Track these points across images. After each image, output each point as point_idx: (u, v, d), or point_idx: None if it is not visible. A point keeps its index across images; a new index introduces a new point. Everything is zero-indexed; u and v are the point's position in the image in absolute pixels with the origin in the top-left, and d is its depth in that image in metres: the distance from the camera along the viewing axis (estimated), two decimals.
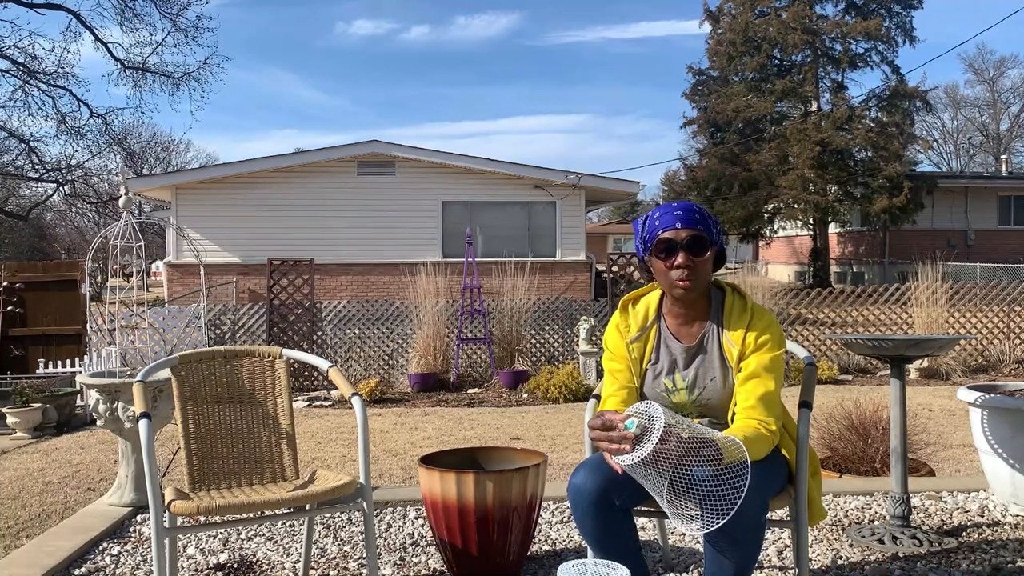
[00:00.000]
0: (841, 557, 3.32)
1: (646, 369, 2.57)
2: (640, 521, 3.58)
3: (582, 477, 2.37)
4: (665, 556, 3.29)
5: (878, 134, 25.23)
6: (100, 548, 3.59)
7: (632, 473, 2.08)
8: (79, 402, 8.05)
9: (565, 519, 3.87)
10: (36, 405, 7.46)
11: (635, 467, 2.05)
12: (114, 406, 4.13)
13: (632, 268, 11.19)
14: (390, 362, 10.41)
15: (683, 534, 3.61)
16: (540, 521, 3.81)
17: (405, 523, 3.89)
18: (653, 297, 2.62)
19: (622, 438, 2.07)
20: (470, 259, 10.30)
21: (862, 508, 3.98)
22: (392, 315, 10.55)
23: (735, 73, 27.54)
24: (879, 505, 4.01)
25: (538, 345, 10.74)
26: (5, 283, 9.75)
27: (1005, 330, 10.87)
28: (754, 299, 2.60)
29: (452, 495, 3.07)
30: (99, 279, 25.72)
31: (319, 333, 10.37)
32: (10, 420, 7.33)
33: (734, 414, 2.43)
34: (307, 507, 2.98)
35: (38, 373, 8.57)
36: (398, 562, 3.38)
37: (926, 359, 9.83)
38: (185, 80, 27.10)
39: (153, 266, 33.30)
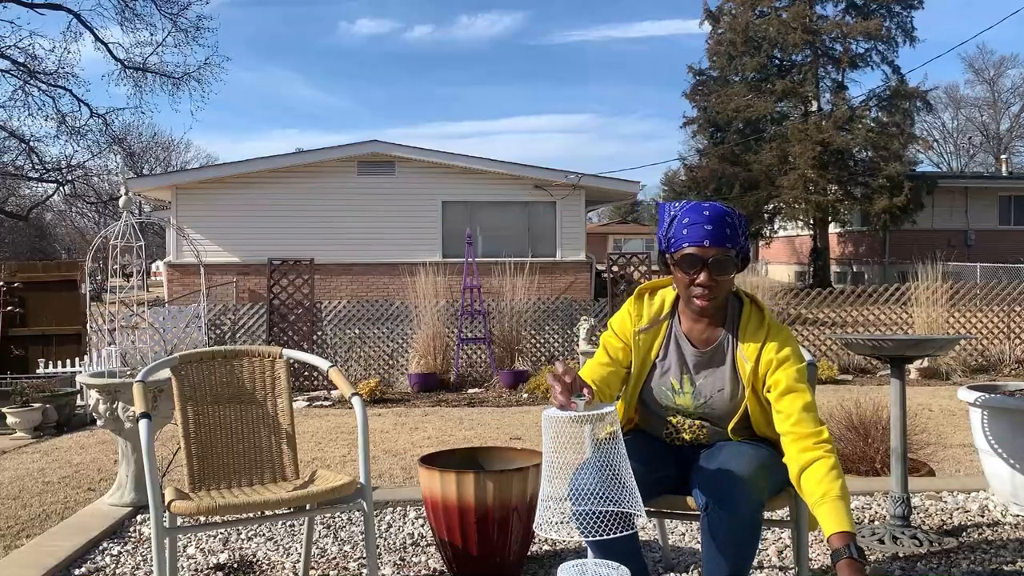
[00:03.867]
0: None
1: (654, 364, 2.52)
2: (640, 521, 3.57)
3: (581, 476, 2.36)
4: (665, 556, 3.29)
5: (878, 134, 25.24)
6: (100, 548, 3.59)
7: (544, 428, 2.06)
8: (79, 402, 8.05)
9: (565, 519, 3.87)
10: (36, 405, 7.45)
11: (549, 424, 2.04)
12: (114, 406, 4.13)
13: (632, 268, 11.18)
14: (390, 362, 10.40)
15: (683, 534, 3.61)
16: None
17: (405, 523, 3.89)
18: (671, 293, 2.56)
19: (567, 404, 2.03)
20: (470, 259, 10.30)
21: (862, 508, 3.98)
22: (392, 315, 10.54)
23: (735, 73, 27.54)
24: (879, 505, 4.01)
25: (538, 345, 10.73)
26: (5, 283, 9.75)
27: (1005, 330, 10.86)
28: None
29: (452, 495, 3.07)
30: (99, 279, 25.75)
31: (319, 333, 10.36)
32: (10, 420, 7.32)
33: (779, 435, 2.31)
34: (307, 507, 2.97)
35: (38, 373, 8.56)
36: (398, 562, 3.38)
37: (926, 359, 9.83)
38: (185, 80, 27.16)
39: (153, 266, 33.29)
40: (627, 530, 2.03)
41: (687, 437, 2.54)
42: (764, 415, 2.45)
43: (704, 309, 2.41)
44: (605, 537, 2.06)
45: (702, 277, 2.34)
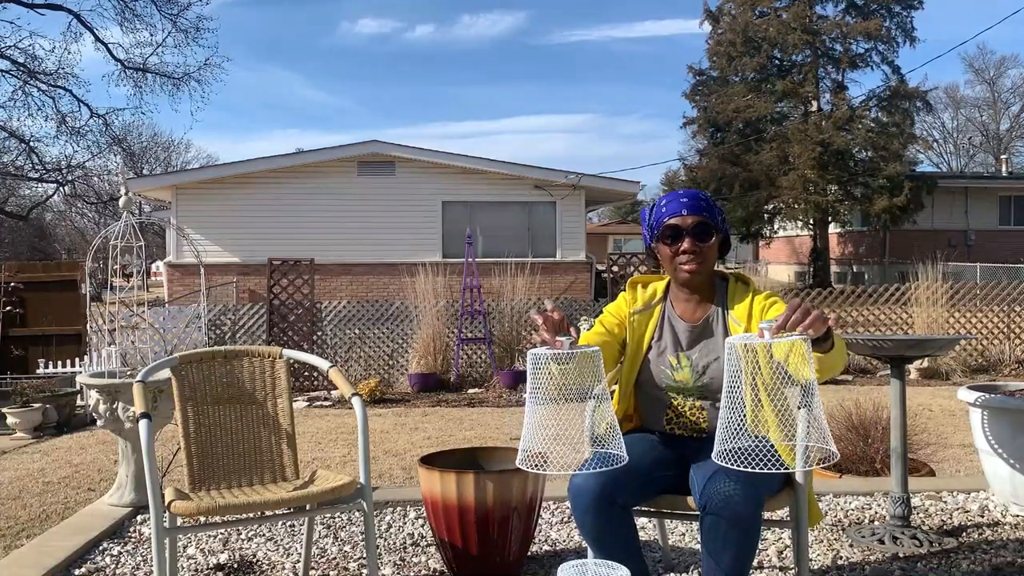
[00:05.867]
0: (841, 557, 3.32)
1: (650, 346, 2.60)
2: (640, 521, 3.57)
3: (583, 476, 2.37)
4: (665, 556, 3.29)
5: (878, 134, 25.25)
6: (100, 548, 3.59)
7: (529, 367, 2.06)
8: (79, 402, 8.05)
9: (565, 519, 3.87)
10: (36, 405, 7.45)
11: (537, 361, 2.04)
12: (114, 406, 4.13)
13: (632, 268, 11.19)
14: (390, 362, 10.40)
15: (683, 534, 3.61)
16: (540, 521, 3.81)
17: (405, 523, 3.89)
18: (661, 284, 2.70)
19: (551, 340, 2.11)
20: (470, 259, 10.30)
21: (862, 508, 3.98)
22: (392, 315, 10.54)
23: (735, 73, 27.54)
24: (879, 505, 4.01)
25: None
26: (5, 283, 9.75)
27: (1005, 330, 10.86)
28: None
29: (452, 495, 3.07)
30: (100, 278, 25.77)
31: (319, 333, 10.36)
32: (10, 420, 7.32)
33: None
34: (307, 507, 2.98)
35: (38, 373, 8.56)
36: (398, 562, 3.38)
37: (926, 359, 9.83)
38: (185, 80, 27.15)
39: (153, 266, 33.28)
40: (608, 465, 2.11)
41: (689, 419, 2.56)
42: None
43: (692, 277, 2.51)
44: (584, 471, 2.19)
45: (686, 244, 2.46)
